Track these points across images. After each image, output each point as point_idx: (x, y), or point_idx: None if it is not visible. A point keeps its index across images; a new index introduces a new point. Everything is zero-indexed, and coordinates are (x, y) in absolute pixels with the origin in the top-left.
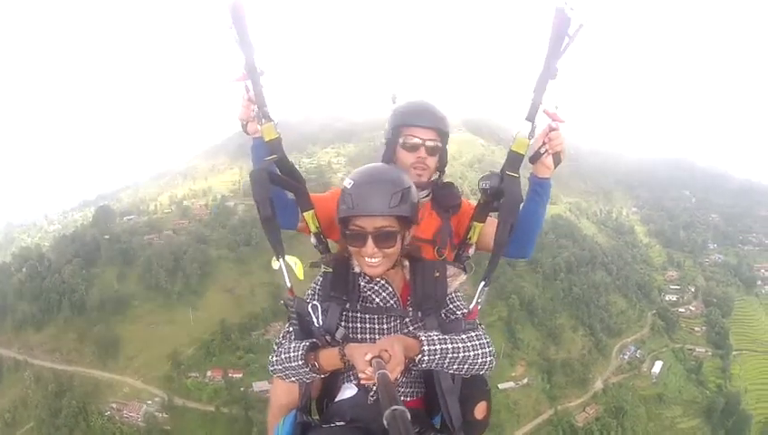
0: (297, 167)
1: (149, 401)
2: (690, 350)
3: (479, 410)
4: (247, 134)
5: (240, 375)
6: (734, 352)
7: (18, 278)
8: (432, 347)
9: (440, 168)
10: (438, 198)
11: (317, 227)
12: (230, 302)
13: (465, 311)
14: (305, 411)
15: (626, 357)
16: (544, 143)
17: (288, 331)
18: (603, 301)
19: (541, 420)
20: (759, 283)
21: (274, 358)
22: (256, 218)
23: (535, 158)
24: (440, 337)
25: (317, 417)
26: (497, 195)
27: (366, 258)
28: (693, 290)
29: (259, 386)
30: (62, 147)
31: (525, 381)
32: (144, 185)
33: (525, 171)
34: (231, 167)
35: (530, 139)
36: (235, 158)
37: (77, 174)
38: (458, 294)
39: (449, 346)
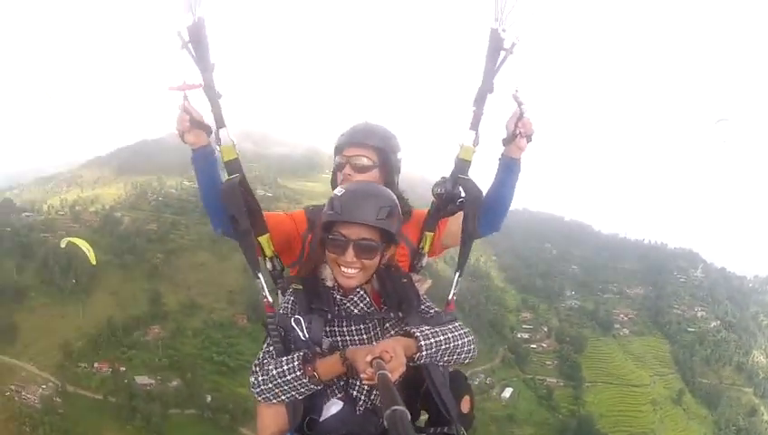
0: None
1: (44, 386)
2: (541, 380)
3: (465, 405)
4: (185, 143)
5: (124, 369)
6: (587, 384)
7: None
8: (428, 341)
9: (386, 185)
10: None
11: (273, 252)
12: (114, 303)
13: (439, 310)
14: (300, 432)
15: (475, 382)
16: (517, 126)
17: (268, 350)
18: None
19: None
20: (617, 326)
21: (260, 377)
22: (140, 230)
23: (509, 140)
24: (432, 330)
25: None
26: (452, 198)
27: (343, 268)
28: (546, 330)
29: (140, 380)
30: None
31: None
32: (28, 188)
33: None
34: (116, 180)
35: (475, 146)
36: (120, 172)
37: None
38: (425, 297)
39: (441, 338)
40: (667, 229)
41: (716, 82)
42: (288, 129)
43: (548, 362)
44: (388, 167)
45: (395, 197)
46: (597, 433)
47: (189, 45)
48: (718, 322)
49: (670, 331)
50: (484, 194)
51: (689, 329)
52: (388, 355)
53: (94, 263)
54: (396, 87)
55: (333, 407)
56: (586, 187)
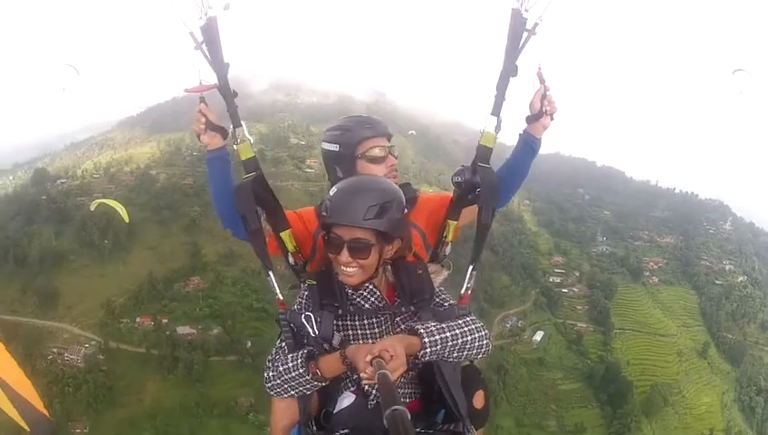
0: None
1: (87, 345)
2: (572, 324)
3: (478, 400)
4: (201, 143)
5: (166, 320)
6: (615, 330)
7: None
8: (432, 338)
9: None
10: None
11: (294, 247)
12: (154, 258)
13: (454, 302)
14: (308, 425)
15: (508, 325)
16: (543, 105)
17: (280, 346)
18: (487, 276)
19: None
20: (646, 274)
21: (271, 373)
22: (176, 185)
23: (533, 118)
24: (438, 327)
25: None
26: (471, 187)
27: (342, 267)
28: (577, 274)
29: (182, 330)
30: None
31: None
32: (59, 155)
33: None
34: (149, 139)
35: (497, 132)
36: (152, 131)
37: None
38: (442, 289)
39: (448, 334)
40: (698, 179)
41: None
42: (318, 78)
43: (578, 307)
44: (393, 151)
45: (393, 191)
46: (623, 381)
47: (203, 47)
48: (745, 277)
49: (698, 282)
50: (499, 185)
51: (717, 281)
52: (389, 354)
53: (127, 220)
54: (427, 31)
55: (346, 400)
56: (617, 132)
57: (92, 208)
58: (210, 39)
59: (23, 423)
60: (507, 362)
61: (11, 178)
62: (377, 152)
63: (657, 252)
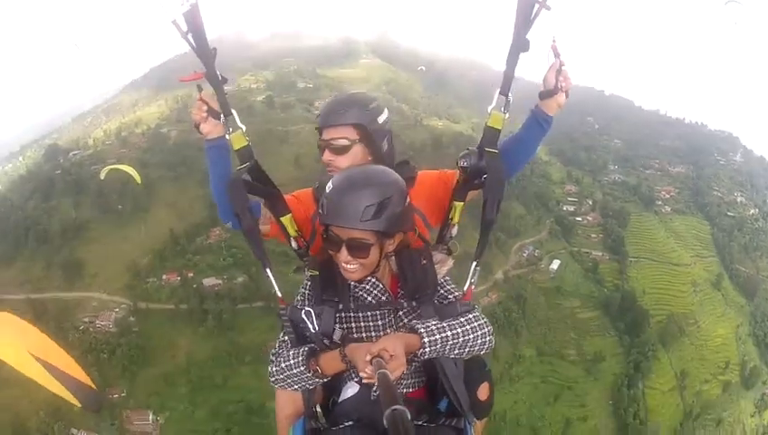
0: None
1: (117, 309)
2: (587, 253)
3: (482, 392)
4: (200, 134)
5: (192, 274)
6: (630, 259)
7: None
8: (432, 338)
9: (377, 157)
10: None
11: (296, 231)
12: (173, 215)
13: (458, 294)
14: (313, 417)
15: (525, 254)
16: (558, 80)
17: (283, 340)
18: (502, 206)
19: None
20: (659, 203)
21: (274, 368)
22: (189, 141)
23: (547, 95)
24: (438, 325)
25: (324, 421)
26: (477, 172)
27: (342, 263)
28: (590, 203)
29: (208, 282)
30: None
31: None
32: (68, 128)
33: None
34: (156, 99)
35: (506, 113)
36: (158, 90)
37: None
38: (447, 279)
39: (449, 333)
40: (707, 110)
41: None
42: (320, 20)
43: (593, 236)
44: (370, 138)
45: (392, 185)
46: (639, 309)
47: (189, 36)
48: (757, 210)
49: (711, 213)
50: (506, 175)
51: (729, 213)
52: (388, 354)
53: (140, 181)
54: None
55: (350, 390)
56: (625, 62)
57: (103, 177)
58: (195, 27)
59: (73, 399)
60: (526, 291)
61: (21, 158)
62: (319, 143)
63: (668, 181)
